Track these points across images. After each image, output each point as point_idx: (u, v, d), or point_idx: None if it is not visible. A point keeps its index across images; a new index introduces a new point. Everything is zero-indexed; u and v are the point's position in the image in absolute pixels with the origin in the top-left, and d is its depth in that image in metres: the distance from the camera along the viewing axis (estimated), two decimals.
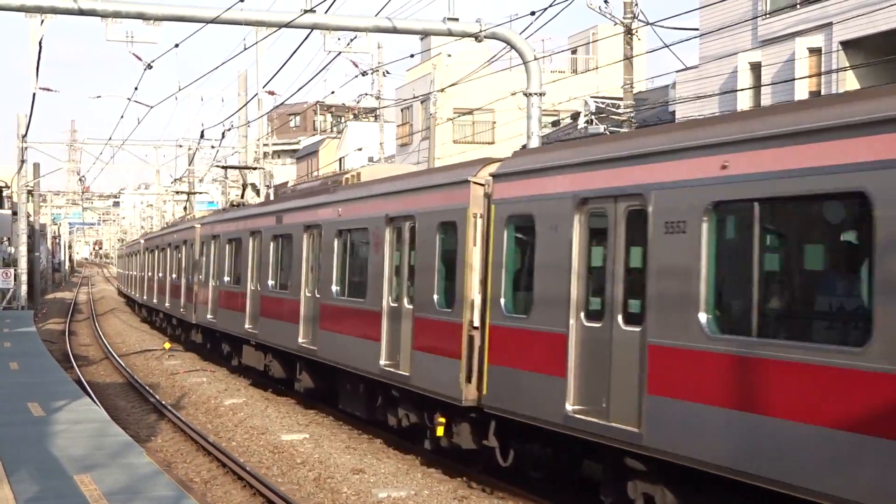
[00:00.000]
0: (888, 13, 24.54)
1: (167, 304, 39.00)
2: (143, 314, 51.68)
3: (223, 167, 40.90)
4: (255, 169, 44.06)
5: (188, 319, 33.38)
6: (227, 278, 28.06)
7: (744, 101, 29.11)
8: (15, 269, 53.87)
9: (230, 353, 28.23)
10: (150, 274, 45.75)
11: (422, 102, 50.37)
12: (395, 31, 21.79)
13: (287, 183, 71.51)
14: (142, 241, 54.12)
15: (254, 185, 51.11)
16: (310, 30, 21.86)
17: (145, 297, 47.72)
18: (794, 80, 27.02)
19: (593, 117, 34.37)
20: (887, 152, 8.55)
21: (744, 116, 10.44)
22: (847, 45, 26.47)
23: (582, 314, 11.90)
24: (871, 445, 8.43)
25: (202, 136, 50.61)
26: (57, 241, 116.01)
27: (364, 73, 39.85)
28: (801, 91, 27.10)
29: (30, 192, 58.87)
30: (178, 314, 35.61)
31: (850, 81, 26.09)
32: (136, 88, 32.42)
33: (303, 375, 21.69)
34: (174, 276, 37.33)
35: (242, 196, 35.25)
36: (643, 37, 31.93)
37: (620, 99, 30.40)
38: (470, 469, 15.45)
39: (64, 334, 42.18)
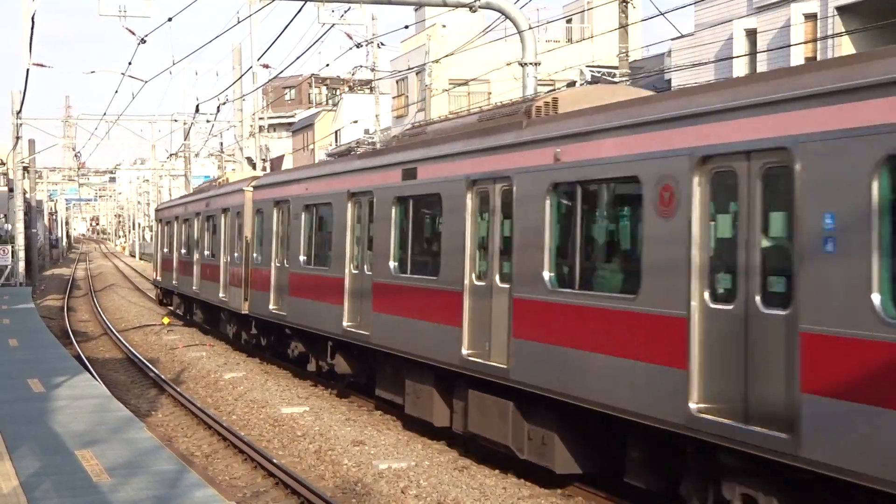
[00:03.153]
0: None
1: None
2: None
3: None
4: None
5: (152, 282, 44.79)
6: (168, 249, 38.78)
7: (740, 69, 29.02)
8: (12, 246, 53.85)
9: (170, 302, 39.10)
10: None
11: (417, 74, 50.24)
12: (389, 2, 21.67)
13: (283, 157, 71.46)
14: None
15: (250, 159, 51.13)
16: (303, 2, 21.76)
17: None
18: (789, 46, 26.94)
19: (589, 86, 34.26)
20: None
21: None
22: (842, 10, 26.39)
23: (352, 265, 18.32)
24: None
25: (197, 110, 50.57)
26: (54, 217, 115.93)
27: (358, 45, 39.78)
28: (797, 57, 27.02)
29: (25, 169, 58.74)
30: (151, 278, 46.38)
31: (845, 46, 26.01)
32: (129, 63, 32.58)
33: (197, 311, 33.67)
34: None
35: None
36: (638, 5, 31.76)
37: (616, 68, 30.31)
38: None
39: (63, 310, 42.19)
